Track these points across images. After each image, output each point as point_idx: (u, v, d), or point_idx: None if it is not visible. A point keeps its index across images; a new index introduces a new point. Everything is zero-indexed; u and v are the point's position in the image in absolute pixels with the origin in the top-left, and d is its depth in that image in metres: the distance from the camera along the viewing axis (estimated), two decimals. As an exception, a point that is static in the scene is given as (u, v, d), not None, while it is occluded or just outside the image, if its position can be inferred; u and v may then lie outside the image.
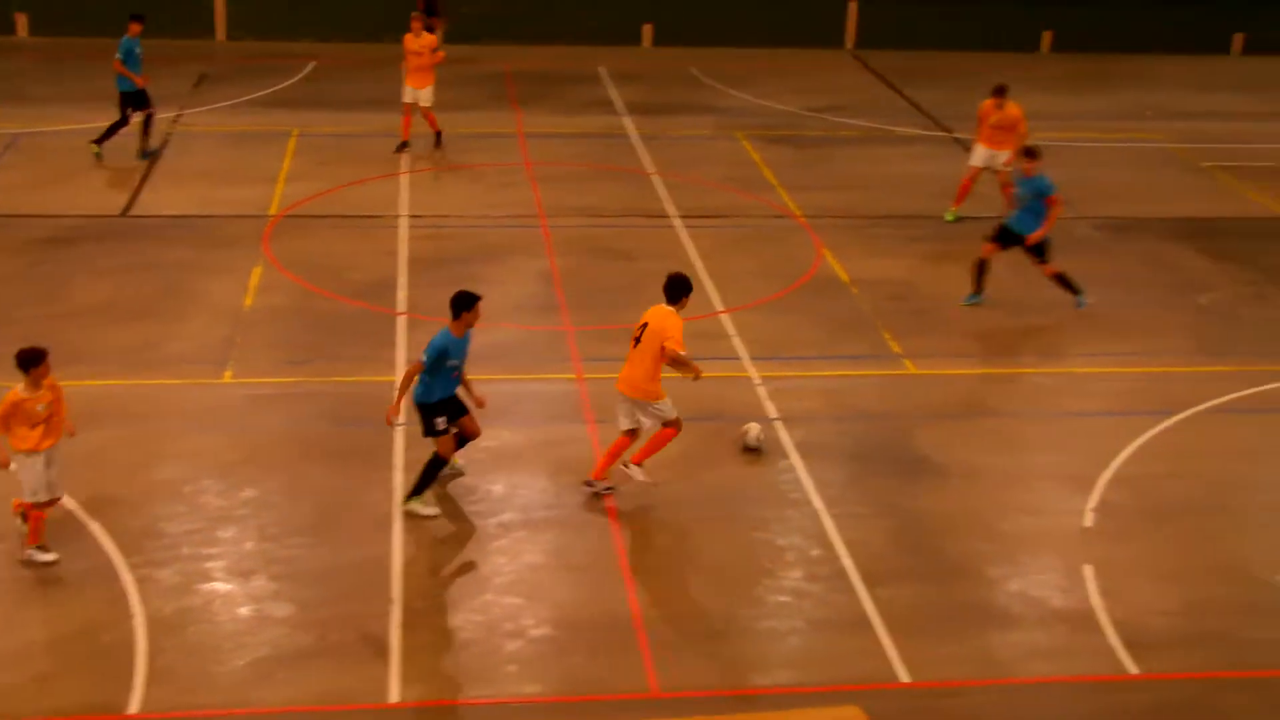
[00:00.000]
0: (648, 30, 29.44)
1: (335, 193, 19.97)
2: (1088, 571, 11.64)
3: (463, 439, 12.39)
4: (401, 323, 15.75)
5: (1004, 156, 19.06)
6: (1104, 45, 29.90)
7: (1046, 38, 30.19)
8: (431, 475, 12.16)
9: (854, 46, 29.96)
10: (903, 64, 28.64)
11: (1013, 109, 19.24)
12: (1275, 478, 13.48)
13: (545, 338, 15.62)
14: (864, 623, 10.94)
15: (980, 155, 19.59)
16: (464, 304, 11.83)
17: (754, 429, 13.45)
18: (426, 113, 21.67)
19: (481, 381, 12.71)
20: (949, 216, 19.83)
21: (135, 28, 20.35)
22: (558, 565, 11.64)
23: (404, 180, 20.55)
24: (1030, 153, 16.56)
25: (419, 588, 11.16)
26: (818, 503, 12.56)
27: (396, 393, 12.08)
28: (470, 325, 11.93)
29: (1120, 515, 12.56)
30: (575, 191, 20.38)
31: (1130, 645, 10.74)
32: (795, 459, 13.27)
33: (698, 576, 11.53)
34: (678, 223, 19.25)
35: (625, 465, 12.59)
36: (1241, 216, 20.41)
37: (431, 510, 12.19)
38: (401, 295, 16.52)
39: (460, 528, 12.04)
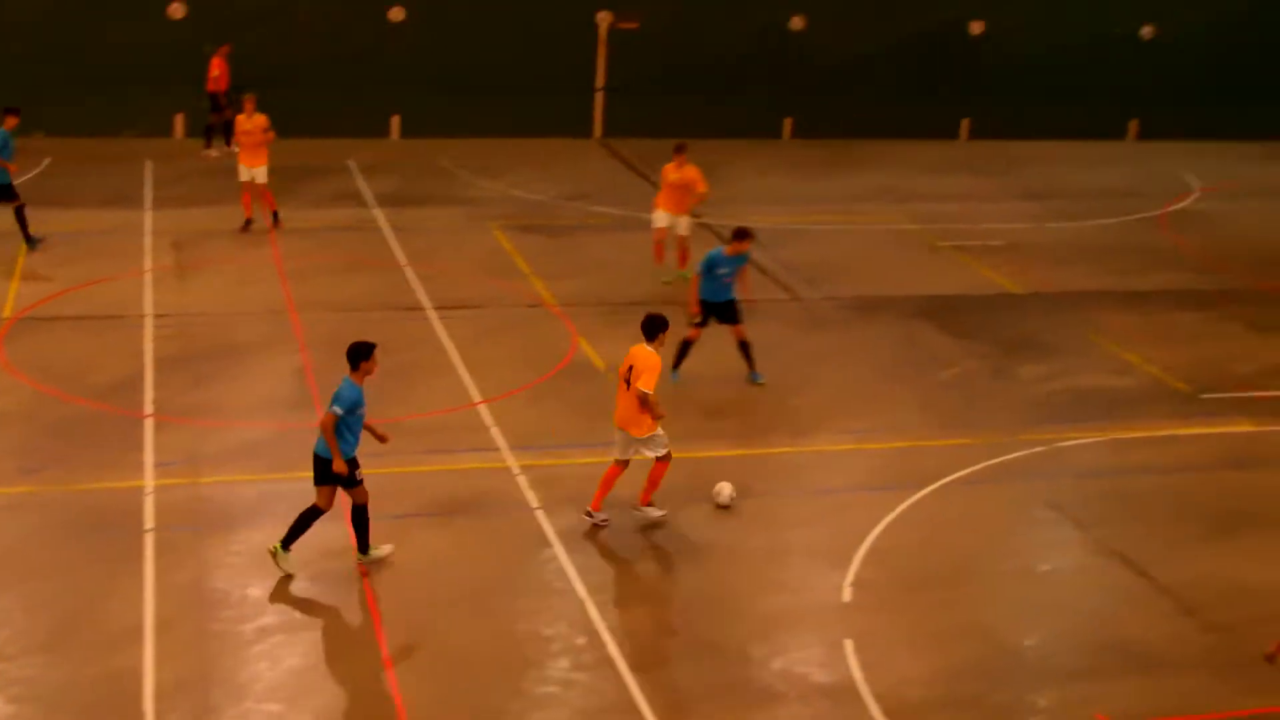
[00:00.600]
0: (395, 122, 29.37)
1: (74, 292, 19.31)
2: (848, 645, 11.85)
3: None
4: (149, 425, 15.24)
5: (685, 221, 20.53)
6: (842, 132, 30.97)
7: (787, 124, 31.11)
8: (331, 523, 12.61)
9: (602, 135, 30.39)
10: (650, 151, 29.10)
11: (691, 170, 20.33)
12: (1018, 544, 14.00)
13: (300, 434, 15.27)
14: (632, 709, 10.92)
15: (662, 218, 20.68)
16: (362, 354, 12.24)
17: (725, 489, 14.11)
18: (263, 190, 22.16)
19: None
20: (666, 279, 20.62)
21: (12, 120, 20.55)
22: (319, 667, 11.34)
23: (148, 278, 19.98)
24: (742, 234, 17.05)
25: (172, 701, 10.71)
26: (581, 590, 12.52)
27: (334, 451, 12.02)
28: (369, 374, 12.28)
29: (877, 588, 12.86)
30: (326, 285, 20.10)
31: (890, 715, 10.96)
32: (558, 548, 13.23)
33: (464, 671, 11.35)
34: (432, 314, 19.14)
35: (636, 510, 13.72)
36: (976, 293, 21.26)
37: (386, 549, 12.72)
38: (148, 396, 16.00)
39: (218, 633, 11.63)
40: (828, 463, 15.52)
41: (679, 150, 20.36)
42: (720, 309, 17.07)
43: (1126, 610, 12.81)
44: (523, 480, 14.52)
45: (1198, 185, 28.77)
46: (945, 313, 20.28)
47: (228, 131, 25.58)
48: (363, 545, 12.61)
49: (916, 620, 12.41)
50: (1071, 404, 17.32)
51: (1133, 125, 32.84)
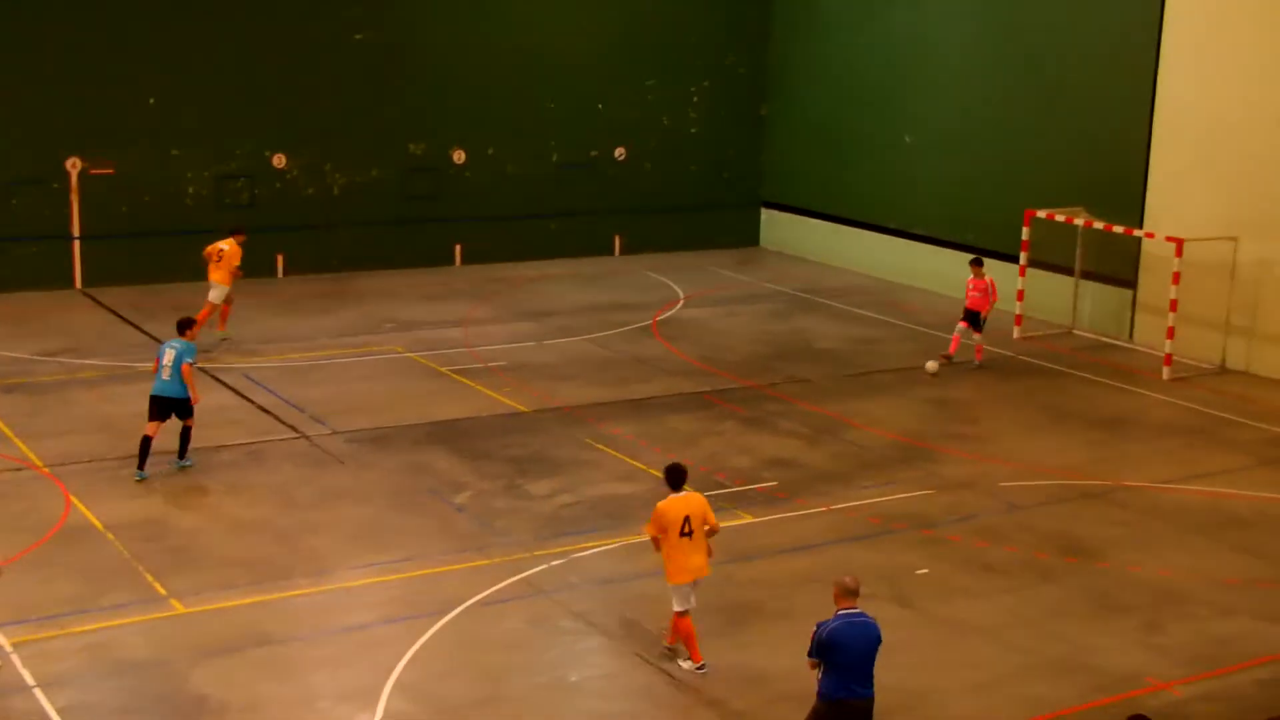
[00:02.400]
0: None
1: None
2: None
3: None
4: None
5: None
6: (336, 265, 30.87)
7: (279, 261, 30.69)
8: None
9: (83, 285, 29.02)
10: (136, 299, 28.04)
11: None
12: (547, 658, 14.07)
13: None
14: None
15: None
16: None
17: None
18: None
19: None
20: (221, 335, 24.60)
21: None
22: None
23: None
24: (183, 325, 18.85)
25: None
26: (93, 769, 11.66)
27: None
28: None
29: (408, 722, 12.62)
30: None
31: None
32: (62, 726, 12.30)
33: None
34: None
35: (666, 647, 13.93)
36: (484, 414, 21.48)
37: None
38: None
39: None
40: (348, 599, 15.17)
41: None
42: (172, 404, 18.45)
43: (654, 710, 13.10)
44: (17, 658, 13.43)
45: (682, 293, 30.32)
46: (455, 437, 20.38)
47: None
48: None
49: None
50: (584, 514, 17.70)
51: (617, 239, 34.34)
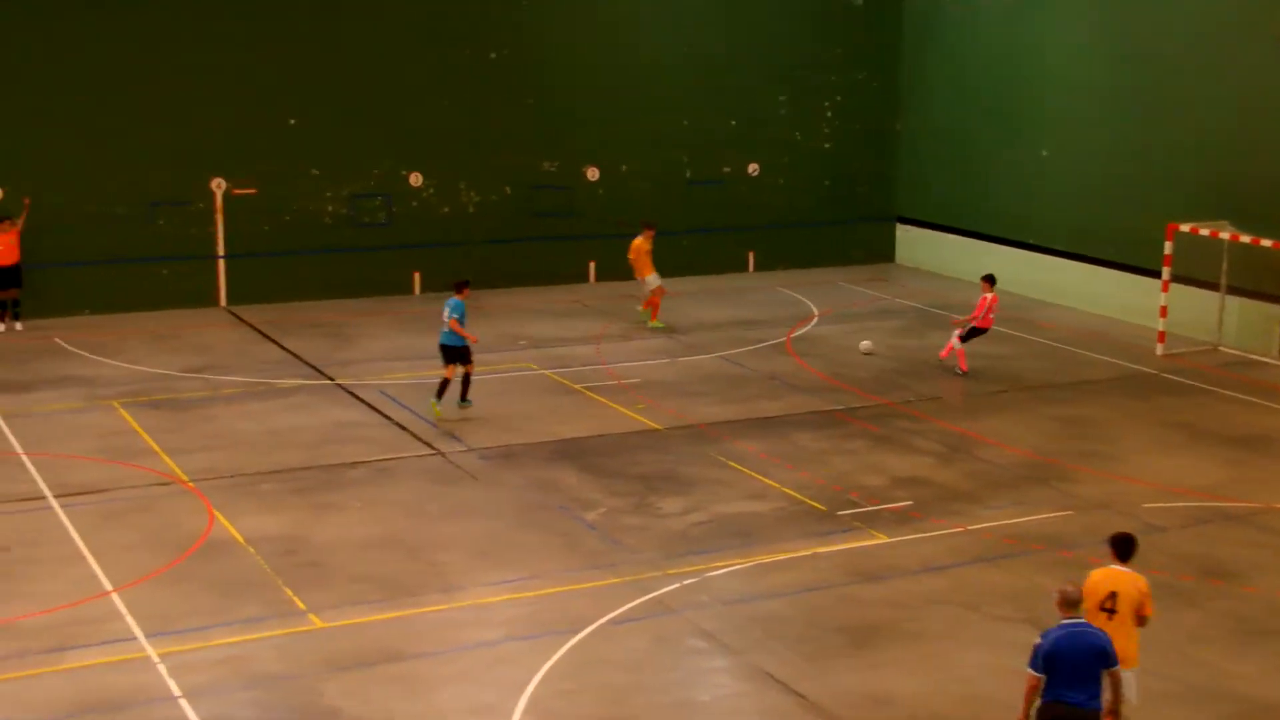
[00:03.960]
0: None
1: None
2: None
3: None
4: None
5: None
6: (470, 283, 31.18)
7: (415, 278, 31.14)
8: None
9: (226, 303, 29.72)
10: (276, 316, 28.65)
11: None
12: (675, 677, 14.07)
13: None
14: None
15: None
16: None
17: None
18: None
19: None
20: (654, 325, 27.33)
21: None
22: None
23: None
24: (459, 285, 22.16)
25: None
26: (231, 780, 11.90)
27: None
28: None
29: (537, 740, 12.70)
30: (-68, 482, 18.83)
31: None
32: (202, 737, 12.59)
33: None
34: (55, 503, 18.13)
35: None
36: (614, 432, 21.56)
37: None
38: None
39: None
40: (480, 616, 15.32)
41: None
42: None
43: (783, 731, 13.06)
44: (162, 668, 13.78)
45: (816, 310, 30.19)
46: (586, 454, 20.49)
47: None
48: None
49: (580, 768, 12.28)
50: (714, 533, 17.67)
51: (750, 256, 34.31)
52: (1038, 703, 11.04)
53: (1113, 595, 11.83)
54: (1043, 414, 22.97)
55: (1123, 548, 12.07)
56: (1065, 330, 28.12)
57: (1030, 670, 11.00)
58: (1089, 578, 12.02)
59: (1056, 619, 11.11)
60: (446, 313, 21.91)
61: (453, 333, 21.86)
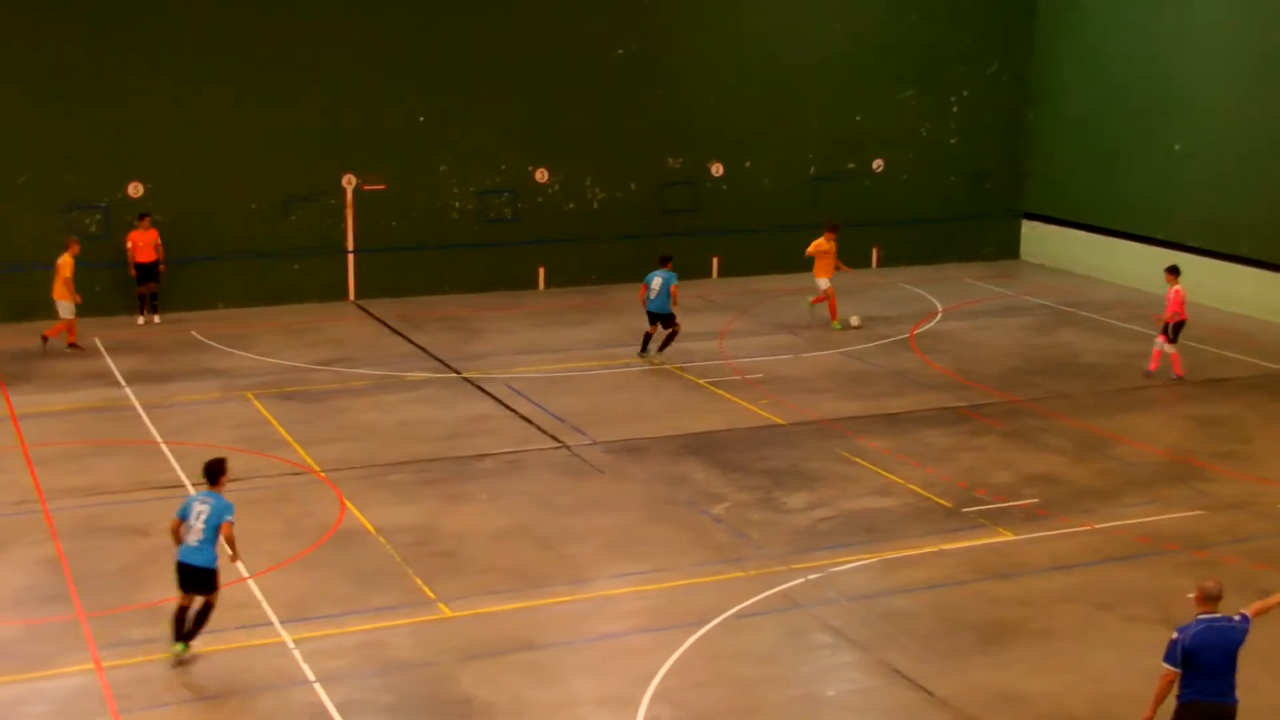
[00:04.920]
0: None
1: None
2: (642, 792, 11.71)
3: None
4: (-112, 633, 14.34)
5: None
6: (595, 279, 31.47)
7: (540, 273, 31.40)
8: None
9: (355, 297, 30.20)
10: (404, 310, 29.08)
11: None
12: (801, 672, 14.07)
13: (53, 630, 14.56)
14: None
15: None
16: (220, 469, 14.41)
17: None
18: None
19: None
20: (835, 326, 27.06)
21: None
22: None
23: (-119, 477, 18.96)
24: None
25: None
26: (366, 764, 12.13)
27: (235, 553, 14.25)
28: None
29: (666, 731, 12.77)
30: (78, 470, 19.34)
31: None
32: (338, 721, 12.83)
33: None
34: (192, 491, 18.54)
35: None
36: (740, 427, 21.58)
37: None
38: (-115, 603, 15.08)
39: None
40: (607, 608, 15.43)
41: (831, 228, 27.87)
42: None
43: (912, 728, 12.99)
44: (297, 654, 14.07)
45: (940, 306, 29.94)
46: (711, 448, 20.53)
47: None
48: (190, 637, 13.81)
49: (709, 759, 12.33)
50: (841, 528, 17.63)
51: (875, 251, 34.11)
52: (1170, 699, 10.91)
53: None
54: (1177, 413, 22.57)
55: None
56: (1200, 328, 27.57)
57: (1166, 664, 10.87)
58: None
59: (1191, 619, 10.96)
60: (658, 283, 24.34)
61: (664, 299, 24.33)
